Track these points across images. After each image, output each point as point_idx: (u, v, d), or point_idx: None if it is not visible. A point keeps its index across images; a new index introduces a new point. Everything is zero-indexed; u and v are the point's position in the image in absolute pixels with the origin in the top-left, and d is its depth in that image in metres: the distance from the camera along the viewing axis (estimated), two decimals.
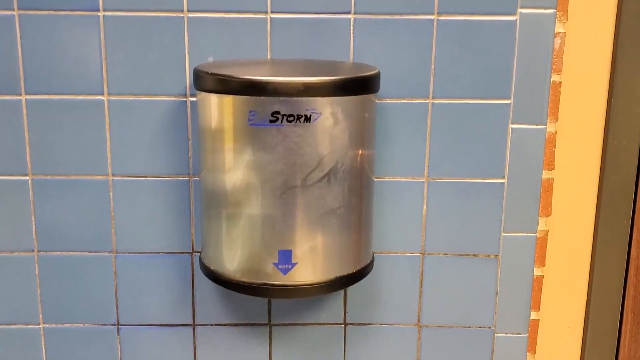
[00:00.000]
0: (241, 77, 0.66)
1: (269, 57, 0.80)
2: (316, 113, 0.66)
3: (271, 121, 0.66)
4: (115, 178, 0.83)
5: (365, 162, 0.72)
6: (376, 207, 0.84)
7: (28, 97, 0.80)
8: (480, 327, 0.88)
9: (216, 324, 0.88)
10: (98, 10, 0.78)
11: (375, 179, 0.80)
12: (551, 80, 0.82)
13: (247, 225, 0.69)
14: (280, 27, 0.79)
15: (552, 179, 0.85)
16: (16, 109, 0.81)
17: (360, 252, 0.74)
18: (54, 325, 0.87)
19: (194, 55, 0.80)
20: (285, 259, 0.69)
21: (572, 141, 0.85)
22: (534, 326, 0.89)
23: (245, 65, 0.75)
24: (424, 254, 0.86)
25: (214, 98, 0.69)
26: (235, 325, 0.88)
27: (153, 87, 0.80)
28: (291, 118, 0.66)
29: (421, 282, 0.87)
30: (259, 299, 0.87)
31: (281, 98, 0.65)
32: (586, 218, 0.87)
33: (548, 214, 0.86)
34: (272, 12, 0.79)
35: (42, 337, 0.87)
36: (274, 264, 0.69)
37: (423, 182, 0.84)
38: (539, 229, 0.86)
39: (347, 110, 0.68)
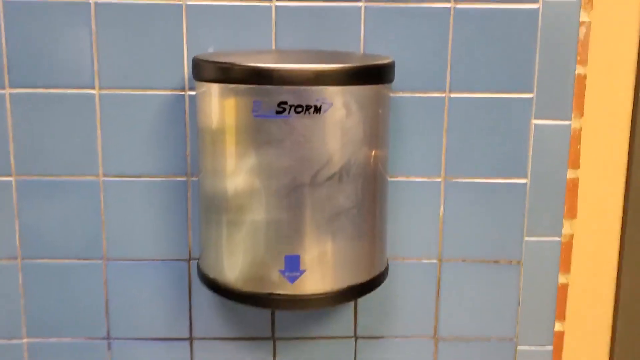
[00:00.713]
0: (245, 64, 0.60)
1: (273, 48, 0.74)
2: (327, 103, 0.60)
3: (278, 112, 0.60)
4: (106, 179, 0.77)
5: (379, 158, 0.66)
6: (390, 210, 0.77)
7: (12, 90, 0.74)
8: (501, 339, 0.82)
9: (215, 338, 0.81)
10: None
11: (389, 179, 0.74)
12: (576, 72, 0.76)
13: (251, 229, 0.63)
14: (285, 15, 0.74)
15: (578, 178, 0.79)
16: None
17: (374, 258, 0.68)
18: (38, 340, 0.80)
19: (192, 47, 0.74)
20: (293, 265, 0.63)
21: (598, 138, 0.79)
22: (559, 338, 0.83)
23: (249, 54, 0.70)
24: (441, 260, 0.80)
25: (214, 88, 0.63)
26: (236, 339, 0.81)
27: (148, 80, 0.74)
28: (299, 109, 0.60)
29: (438, 291, 0.80)
30: (262, 311, 0.80)
31: (289, 87, 0.59)
32: (614, 220, 0.81)
33: (573, 217, 0.80)
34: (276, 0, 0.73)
35: (26, 353, 0.81)
36: (280, 271, 0.63)
37: (440, 182, 0.78)
38: (563, 232, 0.80)
39: (360, 101, 0.62)
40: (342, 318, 0.81)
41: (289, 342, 0.82)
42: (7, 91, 0.74)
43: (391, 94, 0.75)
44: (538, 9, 0.74)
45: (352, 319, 0.81)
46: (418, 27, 0.74)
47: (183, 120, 0.76)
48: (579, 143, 0.78)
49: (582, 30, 0.76)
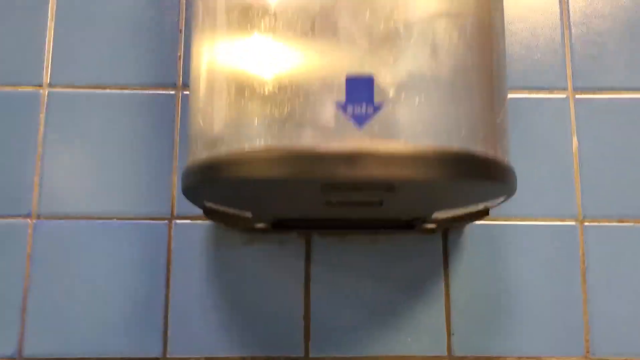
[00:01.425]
0: None
1: None
2: None
3: None
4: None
5: None
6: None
7: None
8: None
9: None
10: None
11: None
12: None
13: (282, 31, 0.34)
14: None
15: None
16: None
17: (504, 142, 0.37)
18: None
19: None
20: (361, 93, 0.33)
21: None
22: None
23: None
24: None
25: None
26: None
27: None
28: None
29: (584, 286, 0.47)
30: (288, 313, 0.47)
31: None
32: None
33: None
34: None
35: None
36: (337, 105, 0.33)
37: None
38: None
39: None
40: (425, 328, 0.47)
41: None
42: None
43: None
44: None
45: (444, 329, 0.47)
46: None
47: None
48: None
49: None
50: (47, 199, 0.49)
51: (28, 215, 0.49)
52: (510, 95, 0.50)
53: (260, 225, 0.47)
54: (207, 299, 0.48)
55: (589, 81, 0.51)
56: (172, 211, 0.50)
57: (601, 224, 0.49)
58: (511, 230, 0.49)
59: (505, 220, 0.49)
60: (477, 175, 0.35)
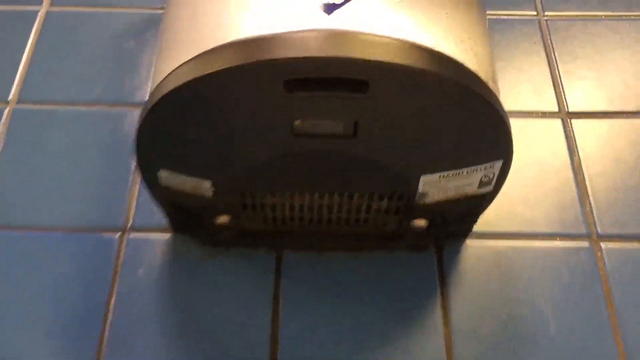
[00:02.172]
0: None
1: None
2: None
3: None
4: None
5: None
6: None
7: None
8: None
9: None
10: None
11: None
12: None
13: None
14: None
15: None
16: None
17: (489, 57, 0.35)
18: None
19: None
20: None
21: None
22: None
23: None
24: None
25: None
26: None
27: None
28: None
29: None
30: (252, 337, 0.38)
31: None
32: None
33: None
34: None
35: None
36: None
37: None
38: None
39: None
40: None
41: None
42: None
43: None
44: None
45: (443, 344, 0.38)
46: None
47: None
48: None
49: None
50: None
51: None
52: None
53: (224, 220, 0.41)
54: (154, 321, 0.40)
55: None
56: (126, 224, 0.44)
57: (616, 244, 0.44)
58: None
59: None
60: (456, 75, 0.31)
